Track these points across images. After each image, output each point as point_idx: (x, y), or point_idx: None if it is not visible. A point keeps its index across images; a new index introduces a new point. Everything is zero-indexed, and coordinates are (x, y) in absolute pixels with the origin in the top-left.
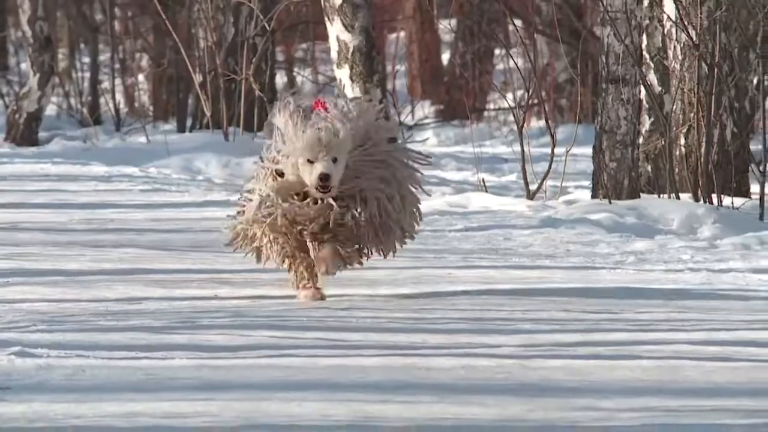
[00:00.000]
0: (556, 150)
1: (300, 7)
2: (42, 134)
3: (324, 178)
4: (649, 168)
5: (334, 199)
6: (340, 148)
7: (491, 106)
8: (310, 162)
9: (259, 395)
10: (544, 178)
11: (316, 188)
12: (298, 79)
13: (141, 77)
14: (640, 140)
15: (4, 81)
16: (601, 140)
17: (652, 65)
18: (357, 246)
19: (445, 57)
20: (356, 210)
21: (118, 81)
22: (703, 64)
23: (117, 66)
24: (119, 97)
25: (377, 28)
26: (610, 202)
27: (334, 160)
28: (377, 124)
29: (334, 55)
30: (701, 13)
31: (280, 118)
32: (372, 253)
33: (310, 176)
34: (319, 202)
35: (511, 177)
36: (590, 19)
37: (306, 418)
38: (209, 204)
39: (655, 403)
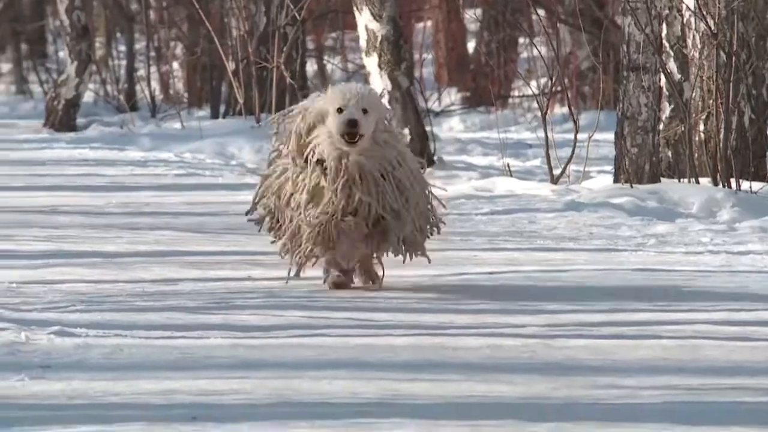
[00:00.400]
0: (579, 136)
1: None
2: (80, 120)
3: (352, 123)
4: (669, 153)
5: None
6: (372, 103)
7: (516, 93)
8: (340, 111)
9: (291, 373)
10: (567, 163)
11: (343, 136)
12: (328, 67)
13: (176, 65)
14: (661, 126)
15: (43, 69)
16: (623, 126)
17: (671, 53)
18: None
19: (471, 45)
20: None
21: (153, 69)
22: (722, 53)
23: (152, 54)
24: (155, 84)
25: (404, 18)
26: (632, 187)
27: (365, 112)
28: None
29: (362, 43)
30: (719, 3)
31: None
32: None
33: (337, 125)
34: (340, 191)
35: (535, 162)
36: (612, 9)
37: (336, 395)
38: (242, 188)
39: (677, 382)
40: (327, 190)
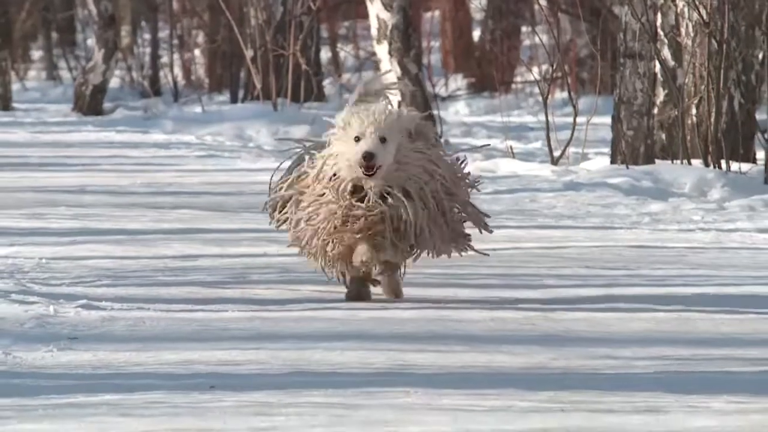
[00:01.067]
0: (578, 119)
1: None
2: (106, 105)
3: (368, 156)
4: (663, 136)
5: (384, 198)
6: (392, 128)
7: (518, 78)
8: (357, 139)
9: (304, 345)
10: (566, 145)
11: (360, 167)
12: (341, 54)
13: (197, 52)
14: (655, 110)
15: (72, 56)
16: (619, 110)
17: (666, 41)
18: (409, 248)
19: (476, 34)
20: (403, 206)
21: (176, 56)
22: (713, 41)
23: (175, 42)
24: (177, 70)
25: (413, 7)
26: (627, 168)
27: (383, 140)
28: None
29: (374, 32)
30: None
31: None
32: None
33: (355, 155)
34: (370, 199)
35: (536, 144)
36: None
37: (347, 365)
38: (260, 169)
39: (669, 353)
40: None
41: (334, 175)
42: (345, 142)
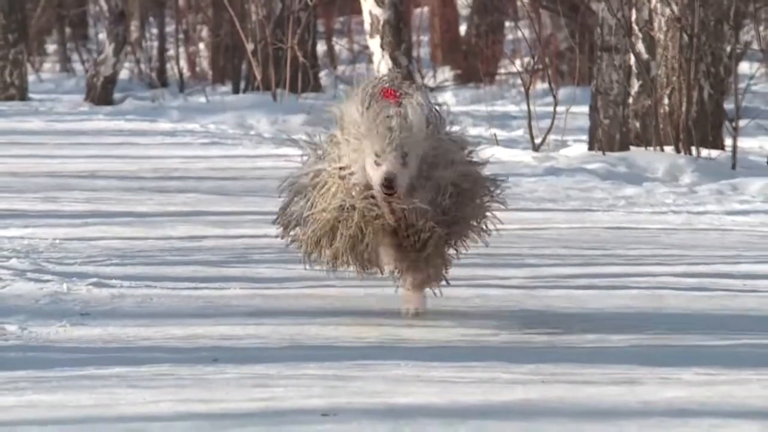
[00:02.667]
0: (558, 108)
1: None
2: (116, 95)
3: (388, 182)
4: (637, 124)
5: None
6: (413, 145)
7: (502, 70)
8: (377, 157)
9: (302, 320)
10: (547, 133)
11: (381, 188)
12: (336, 47)
13: (201, 46)
14: (630, 100)
15: (85, 49)
16: (596, 100)
17: (640, 36)
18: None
19: (463, 28)
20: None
21: (181, 49)
22: (684, 35)
23: (181, 36)
24: (183, 63)
25: (404, 3)
26: (604, 154)
27: (405, 156)
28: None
29: (367, 27)
30: None
31: (350, 107)
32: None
33: (375, 177)
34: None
35: (518, 132)
36: None
37: (341, 339)
38: (260, 155)
39: (643, 328)
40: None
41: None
42: (359, 152)
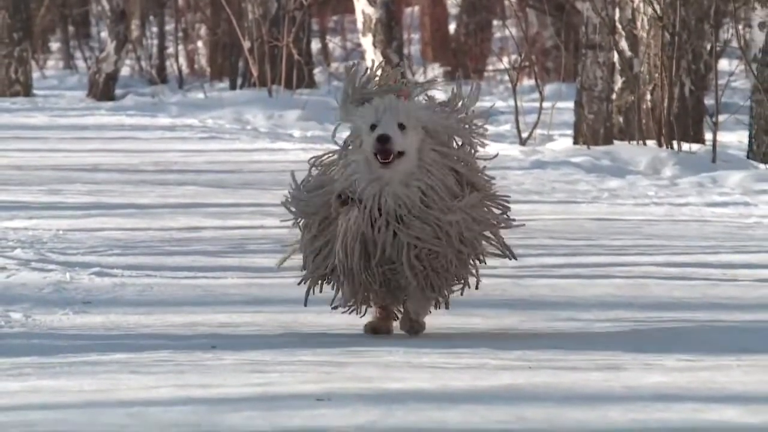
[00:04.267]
0: (544, 104)
1: None
2: (118, 91)
3: (383, 139)
4: (620, 119)
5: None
6: (413, 117)
7: (490, 67)
8: (373, 128)
9: (297, 308)
10: (533, 128)
11: (376, 155)
12: (330, 45)
13: (200, 44)
14: (614, 96)
15: (87, 47)
16: (581, 96)
17: (623, 34)
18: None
19: (452, 27)
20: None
21: (180, 47)
22: (666, 33)
23: (180, 34)
24: (182, 60)
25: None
26: (589, 148)
27: (402, 128)
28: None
29: (359, 25)
30: None
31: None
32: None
33: (369, 144)
34: (387, 225)
35: (506, 126)
36: None
37: (335, 327)
38: (256, 149)
39: (626, 315)
40: (362, 233)
41: (346, 200)
42: (360, 147)
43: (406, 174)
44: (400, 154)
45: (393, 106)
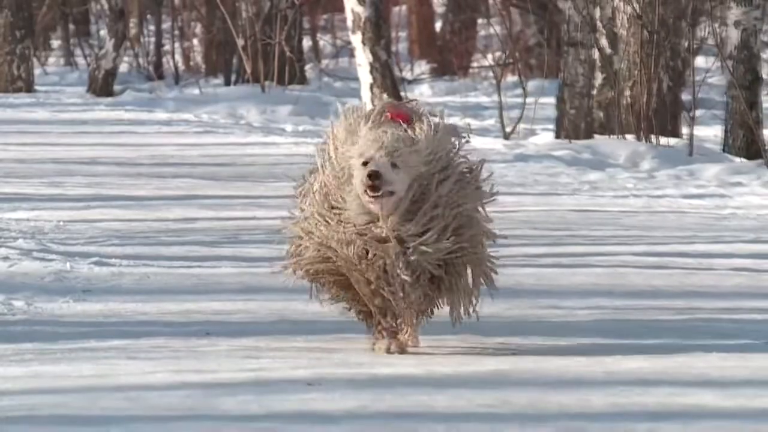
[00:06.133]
0: (527, 100)
1: None
2: (116, 87)
3: (373, 176)
4: (601, 114)
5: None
6: (406, 157)
7: (475, 64)
8: (365, 164)
9: (288, 296)
10: (517, 122)
11: (365, 191)
12: (321, 43)
13: (195, 41)
14: (594, 92)
15: (87, 45)
16: (563, 92)
17: (603, 32)
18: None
19: (438, 25)
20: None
21: (177, 44)
22: (645, 31)
23: (176, 32)
24: (178, 57)
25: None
26: (570, 142)
27: (394, 166)
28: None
29: (349, 23)
30: None
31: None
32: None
33: (359, 180)
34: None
35: (490, 121)
36: None
37: (327, 315)
38: (250, 143)
39: (606, 303)
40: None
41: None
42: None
43: (399, 213)
44: (391, 193)
45: (388, 142)
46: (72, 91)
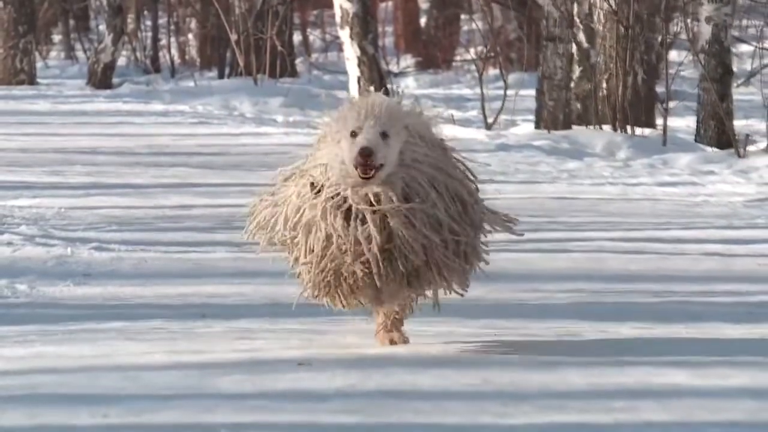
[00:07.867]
0: (508, 92)
1: None
2: (115, 80)
3: (366, 152)
4: (579, 106)
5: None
6: (395, 123)
7: (458, 58)
8: (353, 135)
9: (281, 280)
10: (498, 114)
11: (356, 167)
12: (311, 37)
13: (191, 36)
14: (572, 84)
15: (87, 39)
16: (542, 84)
17: (581, 27)
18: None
19: (423, 20)
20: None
21: (173, 39)
22: (621, 26)
23: (172, 28)
24: (174, 51)
25: None
26: (549, 132)
27: (385, 136)
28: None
29: (338, 19)
30: None
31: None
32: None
33: (349, 154)
34: (365, 223)
35: (473, 113)
36: None
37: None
38: (242, 133)
39: (584, 287)
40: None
41: (319, 189)
42: (337, 143)
43: (386, 185)
44: (381, 166)
45: (377, 111)
46: (72, 83)
